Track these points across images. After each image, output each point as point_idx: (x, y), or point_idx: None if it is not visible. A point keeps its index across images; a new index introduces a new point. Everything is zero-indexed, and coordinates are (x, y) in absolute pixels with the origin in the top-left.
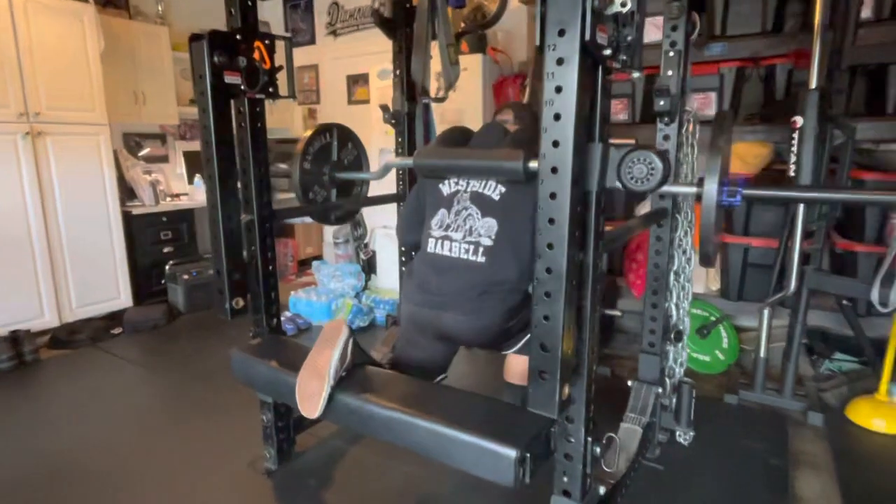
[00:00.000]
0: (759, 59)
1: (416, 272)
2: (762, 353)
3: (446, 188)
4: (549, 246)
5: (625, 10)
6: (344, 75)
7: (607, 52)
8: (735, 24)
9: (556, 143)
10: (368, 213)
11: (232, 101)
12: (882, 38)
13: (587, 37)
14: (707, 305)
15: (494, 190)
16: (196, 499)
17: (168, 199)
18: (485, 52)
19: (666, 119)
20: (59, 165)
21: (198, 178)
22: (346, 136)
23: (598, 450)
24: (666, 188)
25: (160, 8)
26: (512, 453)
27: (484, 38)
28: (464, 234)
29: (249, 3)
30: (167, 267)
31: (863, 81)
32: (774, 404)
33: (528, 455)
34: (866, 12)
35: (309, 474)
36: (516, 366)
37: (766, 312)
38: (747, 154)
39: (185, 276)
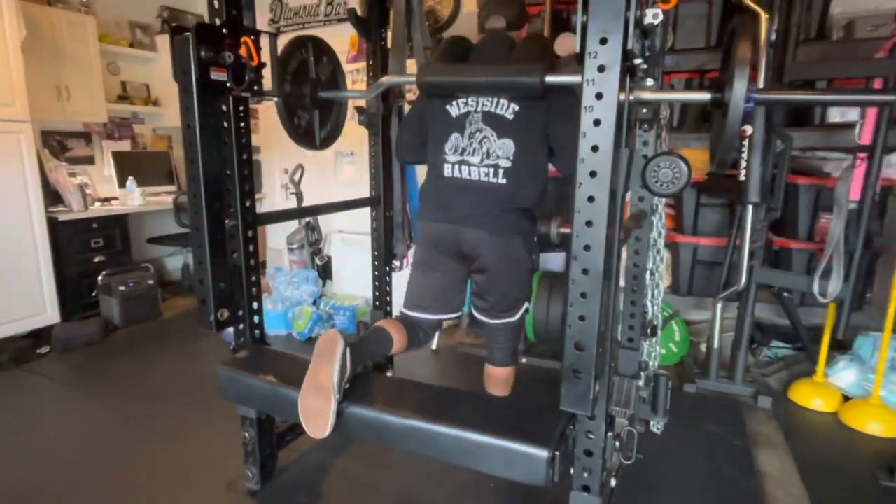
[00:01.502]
0: (705, 72)
1: (435, 194)
2: (716, 344)
3: (455, 109)
4: (587, 247)
5: (656, 21)
6: None
7: (638, 60)
8: (683, 38)
9: (595, 148)
10: (323, 218)
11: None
12: (808, 57)
13: (629, 45)
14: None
15: (507, 109)
16: None
17: (97, 203)
18: None
19: (645, 126)
20: None
21: (130, 181)
22: (321, 50)
23: (617, 443)
24: (680, 96)
25: None
26: (544, 454)
27: (440, 43)
28: (481, 157)
29: None
30: (99, 278)
31: None
32: (728, 391)
33: (557, 453)
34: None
35: (296, 491)
36: (496, 378)
37: (718, 306)
38: (696, 160)
39: (122, 288)
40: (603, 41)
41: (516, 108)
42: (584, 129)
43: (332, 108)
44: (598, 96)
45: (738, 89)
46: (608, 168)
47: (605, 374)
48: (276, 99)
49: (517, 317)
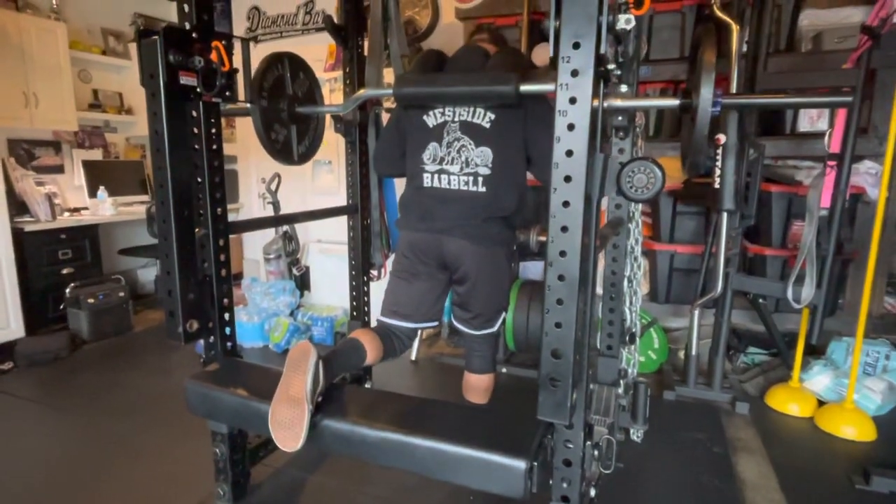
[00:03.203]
0: (679, 83)
1: (415, 204)
2: (693, 351)
3: (432, 119)
4: (562, 253)
5: (629, 27)
6: None
7: (611, 66)
8: (657, 49)
9: (569, 153)
10: (301, 228)
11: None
12: (778, 68)
13: (602, 50)
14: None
15: (484, 118)
16: None
17: (66, 213)
18: None
19: (621, 133)
20: None
21: (101, 191)
22: (298, 66)
23: (596, 452)
24: (651, 102)
25: (54, 2)
26: (521, 465)
27: (420, 52)
28: (460, 165)
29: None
30: (67, 290)
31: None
32: (706, 397)
33: (535, 464)
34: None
35: None
36: (475, 385)
37: (696, 313)
38: (671, 168)
39: (91, 300)
40: (576, 46)
41: (493, 116)
42: (559, 134)
43: (309, 124)
44: (572, 101)
45: (705, 93)
46: (583, 172)
47: (582, 382)
48: (249, 105)
49: (496, 326)
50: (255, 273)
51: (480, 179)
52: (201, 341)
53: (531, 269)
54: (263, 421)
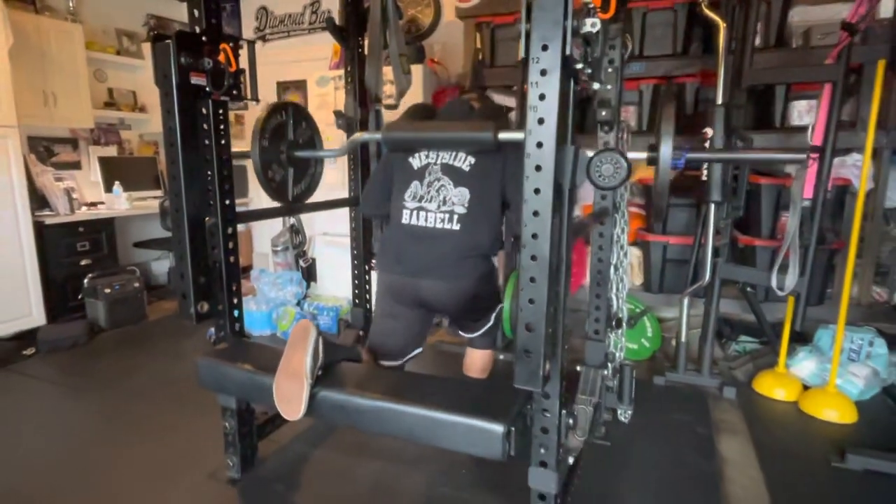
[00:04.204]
0: (672, 78)
1: (392, 244)
2: (683, 338)
3: (416, 161)
4: (534, 236)
5: (594, 29)
6: (274, 81)
7: (579, 65)
8: (651, 45)
9: (539, 144)
10: (307, 221)
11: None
12: (768, 63)
13: (567, 51)
14: (632, 299)
15: (464, 161)
16: None
17: (83, 208)
18: (424, 63)
19: (606, 128)
20: None
21: (117, 186)
22: (301, 115)
23: (570, 421)
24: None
25: (71, 4)
26: (499, 429)
27: (422, 50)
28: (438, 204)
29: (213, 5)
30: (85, 280)
31: (753, 100)
32: (695, 382)
33: (513, 429)
34: (755, 40)
35: (275, 480)
36: (477, 360)
37: (685, 301)
38: None
39: (107, 290)
40: (544, 48)
41: (472, 160)
42: (530, 128)
43: (307, 169)
44: (542, 97)
45: (664, 151)
46: (551, 162)
47: (557, 355)
48: (254, 102)
49: (493, 320)
50: (264, 265)
51: (456, 217)
52: (212, 329)
53: None
54: (268, 393)
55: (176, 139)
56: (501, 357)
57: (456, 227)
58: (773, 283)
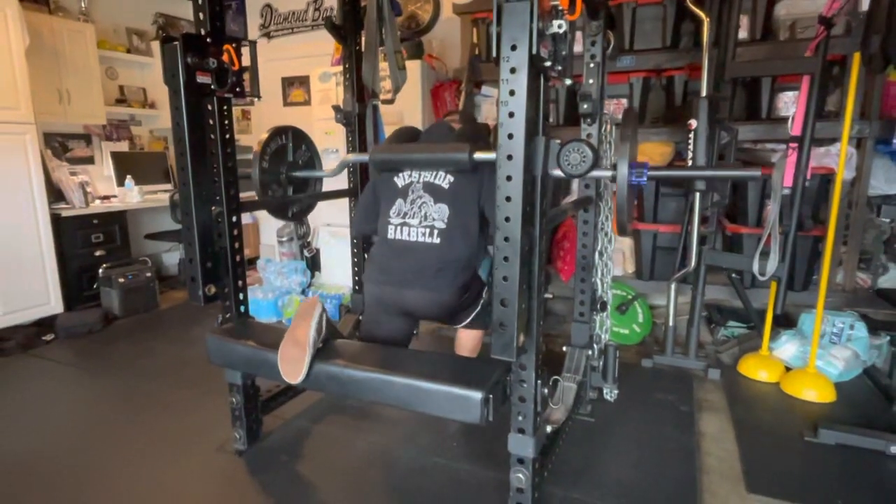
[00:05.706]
0: (661, 71)
1: (378, 257)
2: (671, 323)
3: (401, 180)
4: (507, 219)
5: (561, 30)
6: (279, 77)
7: (548, 63)
8: (640, 40)
9: (510, 136)
10: (312, 212)
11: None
12: (754, 56)
13: (534, 51)
14: (624, 286)
15: (444, 179)
16: (169, 483)
17: (97, 201)
18: (422, 58)
19: (588, 120)
20: None
21: (129, 180)
22: (300, 139)
23: (545, 391)
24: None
25: (83, 4)
26: (478, 395)
27: (421, 46)
28: (420, 219)
29: (217, 7)
30: (100, 270)
31: (742, 92)
32: (682, 365)
33: (491, 396)
34: (742, 33)
35: (279, 451)
36: (466, 340)
37: (673, 287)
38: (654, 153)
39: (121, 280)
40: (513, 48)
41: (451, 179)
42: (501, 120)
43: (306, 189)
44: (511, 93)
45: (622, 169)
46: (521, 151)
47: (532, 330)
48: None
49: (479, 306)
50: (270, 256)
51: (436, 231)
52: (221, 317)
53: None
54: (271, 367)
55: (184, 133)
56: (487, 341)
57: (436, 240)
58: (755, 268)
